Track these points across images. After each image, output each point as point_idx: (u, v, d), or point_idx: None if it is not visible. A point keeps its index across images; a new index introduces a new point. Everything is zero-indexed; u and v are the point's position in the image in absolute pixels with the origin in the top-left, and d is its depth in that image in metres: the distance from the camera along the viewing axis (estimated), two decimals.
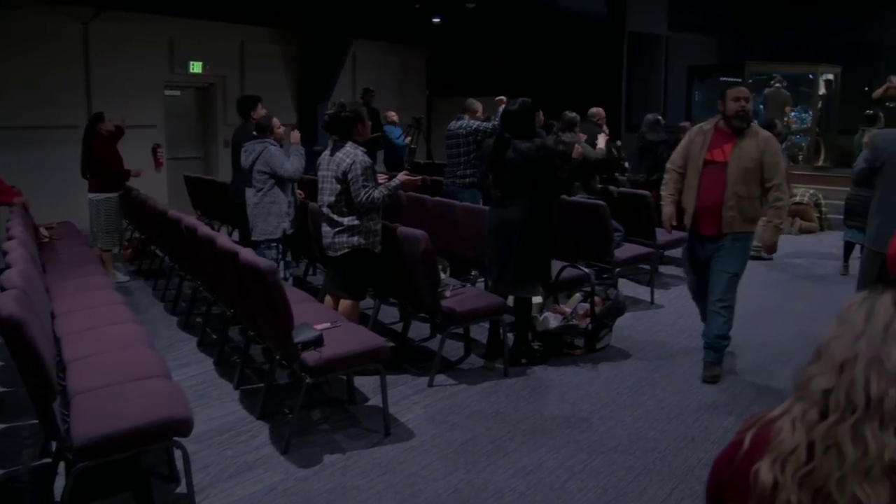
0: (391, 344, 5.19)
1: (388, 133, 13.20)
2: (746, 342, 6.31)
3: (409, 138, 13.09)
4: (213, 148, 14.29)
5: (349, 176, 5.18)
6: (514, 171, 5.55)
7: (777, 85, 14.30)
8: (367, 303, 6.47)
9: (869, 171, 5.47)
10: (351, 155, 5.24)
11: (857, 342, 1.52)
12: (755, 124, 5.44)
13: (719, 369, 5.61)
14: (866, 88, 14.92)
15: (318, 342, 4.47)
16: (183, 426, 3.57)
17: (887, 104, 13.79)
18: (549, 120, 9.97)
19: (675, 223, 5.54)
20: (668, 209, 5.57)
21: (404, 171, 5.73)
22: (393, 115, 13.49)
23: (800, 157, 14.90)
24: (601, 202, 7.25)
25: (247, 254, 4.60)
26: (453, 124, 8.39)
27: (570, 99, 14.70)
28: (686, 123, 12.19)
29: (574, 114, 8.64)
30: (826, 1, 16.20)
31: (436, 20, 15.27)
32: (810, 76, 15.17)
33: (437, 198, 7.55)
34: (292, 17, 13.93)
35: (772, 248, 5.58)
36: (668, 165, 5.64)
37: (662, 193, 5.63)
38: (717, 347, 5.54)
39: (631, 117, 15.88)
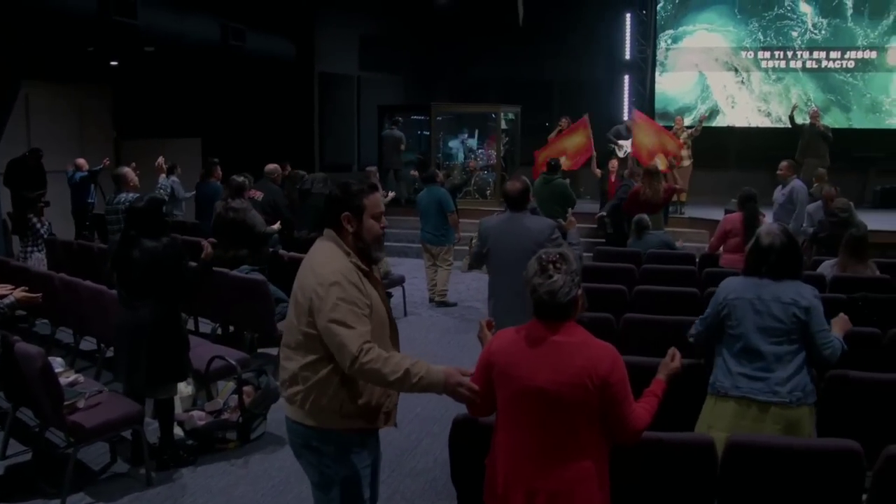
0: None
1: (79, 181, 12.51)
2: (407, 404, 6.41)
3: None
4: None
5: None
6: (141, 270, 5.32)
7: (393, 126, 15.04)
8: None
9: (480, 255, 5.83)
10: None
11: None
12: None
13: None
14: (547, 124, 16.03)
15: None
16: None
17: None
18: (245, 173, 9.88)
19: None
20: None
21: (22, 288, 5.27)
22: (82, 163, 12.74)
23: (488, 192, 15.67)
24: (259, 278, 7.18)
25: None
26: (111, 198, 7.94)
27: (265, 140, 14.66)
28: (372, 168, 12.42)
29: (242, 178, 8.48)
30: (504, 42, 17.16)
31: (114, 63, 14.54)
32: (493, 115, 15.98)
33: (88, 282, 7.16)
34: None
35: None
36: None
37: None
38: None
39: (325, 157, 16.02)
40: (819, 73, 16.95)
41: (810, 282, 7.01)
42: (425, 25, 17.82)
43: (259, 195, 9.51)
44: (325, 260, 3.33)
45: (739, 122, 17.34)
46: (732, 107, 17.45)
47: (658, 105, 17.65)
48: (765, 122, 17.09)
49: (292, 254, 8.59)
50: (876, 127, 16.64)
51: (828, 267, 7.62)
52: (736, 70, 17.38)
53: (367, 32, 17.17)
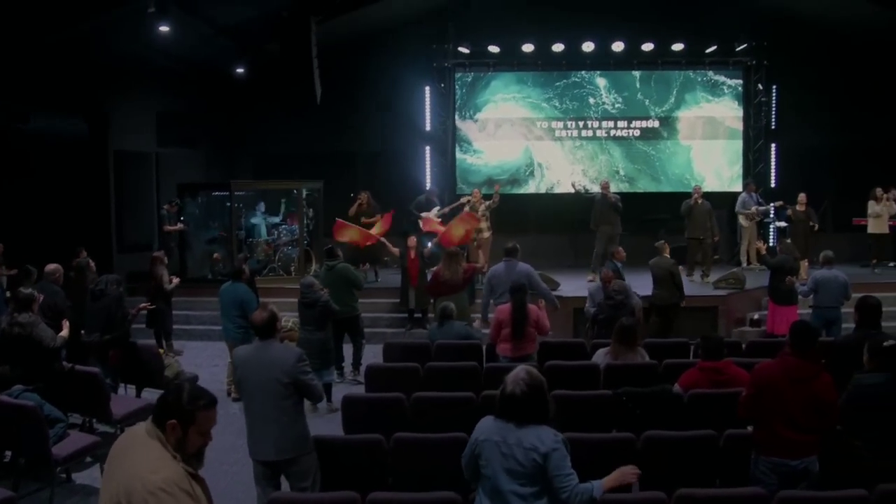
0: None
1: None
2: None
3: None
4: None
5: None
6: None
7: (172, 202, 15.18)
8: None
9: (238, 383, 5.93)
10: None
11: None
12: None
13: None
14: (351, 194, 16.17)
15: None
16: None
17: (361, 218, 15.04)
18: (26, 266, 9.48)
19: None
20: None
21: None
22: None
23: (292, 268, 15.58)
24: (29, 404, 6.86)
25: None
26: None
27: (57, 222, 14.00)
28: (159, 253, 12.16)
29: (28, 290, 8.13)
30: (305, 115, 17.17)
31: None
32: (294, 192, 15.97)
33: None
34: None
35: None
36: None
37: None
38: None
39: (123, 238, 15.50)
40: (622, 142, 18.29)
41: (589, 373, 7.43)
42: (225, 100, 17.71)
43: (39, 298, 9.09)
44: (155, 466, 3.29)
45: (552, 187, 18.39)
46: (545, 173, 18.47)
47: (473, 176, 18.33)
48: (568, 188, 17.84)
49: (74, 366, 8.23)
50: (665, 191, 18.11)
51: (601, 355, 8.08)
52: (541, 138, 18.37)
53: (164, 108, 16.78)
